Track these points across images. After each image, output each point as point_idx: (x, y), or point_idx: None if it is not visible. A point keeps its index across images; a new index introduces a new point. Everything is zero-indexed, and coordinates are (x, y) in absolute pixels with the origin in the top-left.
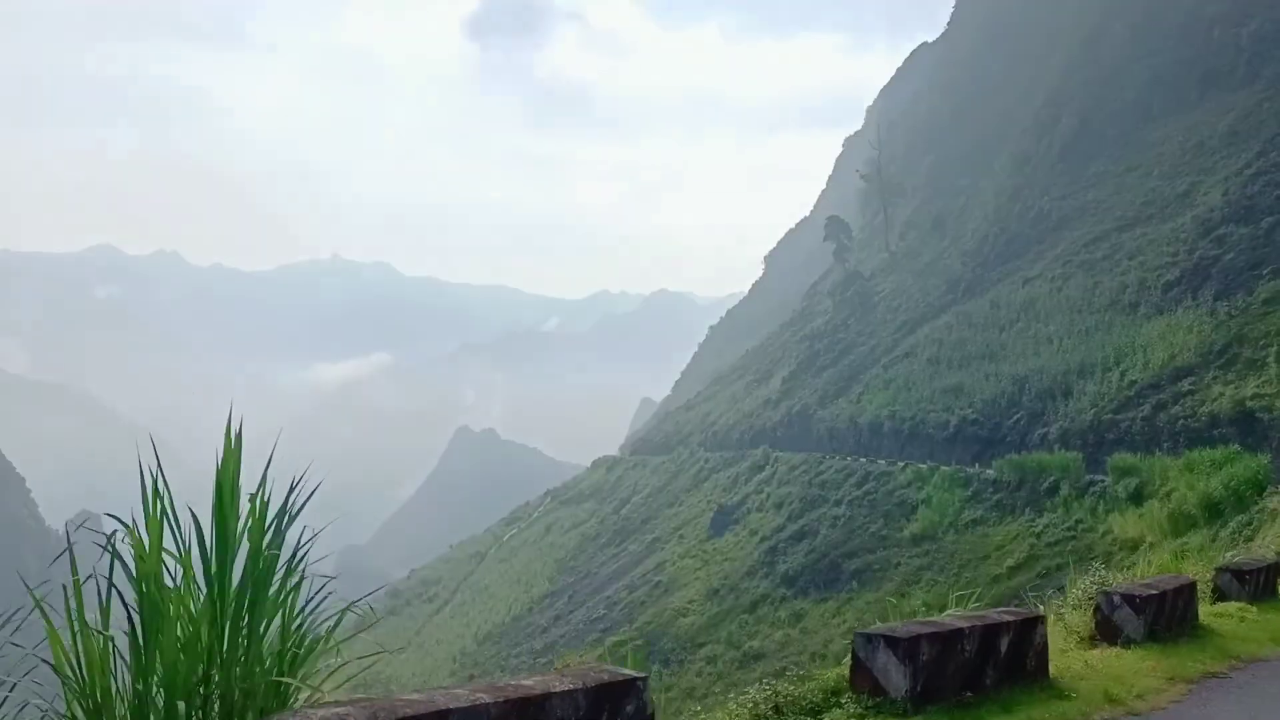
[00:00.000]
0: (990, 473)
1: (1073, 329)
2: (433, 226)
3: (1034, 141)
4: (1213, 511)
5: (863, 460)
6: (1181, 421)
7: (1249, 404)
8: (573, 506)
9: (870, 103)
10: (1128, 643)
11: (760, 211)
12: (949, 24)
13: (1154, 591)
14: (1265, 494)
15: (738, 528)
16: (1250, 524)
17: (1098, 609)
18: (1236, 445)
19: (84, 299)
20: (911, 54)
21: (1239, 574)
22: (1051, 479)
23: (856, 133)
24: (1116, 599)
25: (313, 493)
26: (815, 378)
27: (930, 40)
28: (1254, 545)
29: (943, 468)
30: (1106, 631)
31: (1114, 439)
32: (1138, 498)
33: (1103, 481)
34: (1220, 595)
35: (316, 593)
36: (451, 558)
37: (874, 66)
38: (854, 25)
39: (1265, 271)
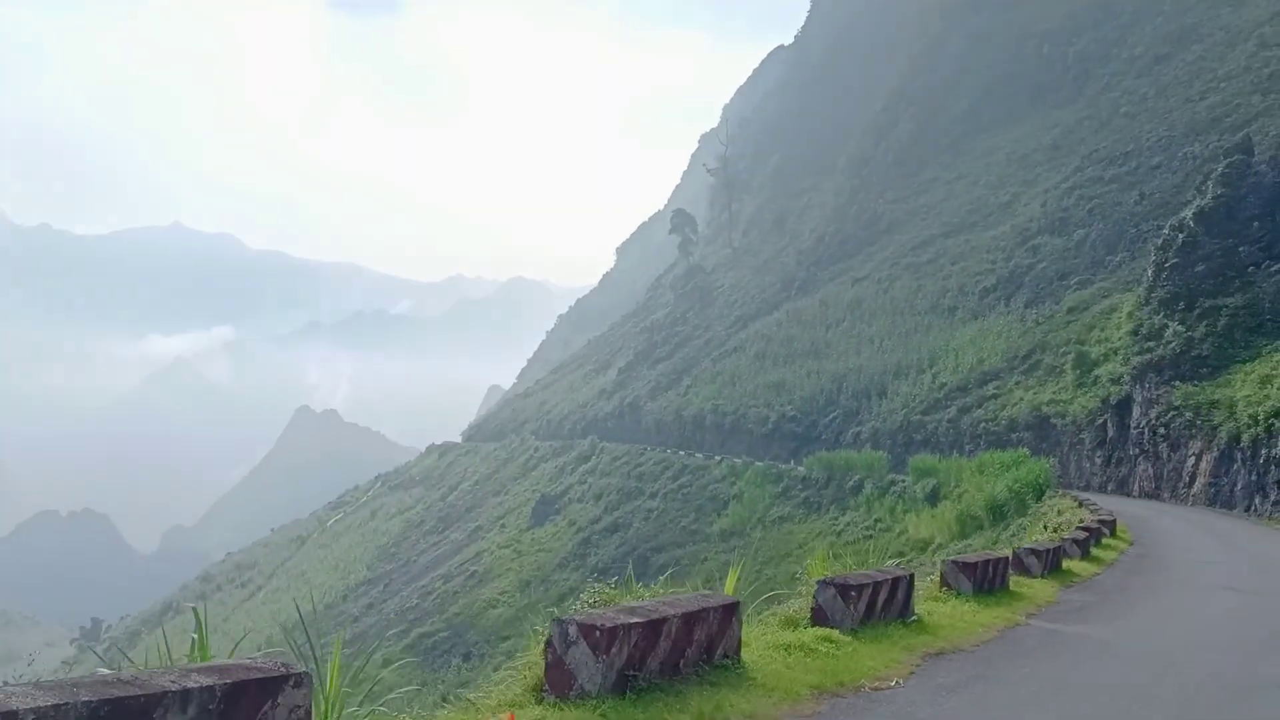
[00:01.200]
0: (801, 469)
1: (894, 330)
2: (282, 200)
3: (872, 144)
4: (997, 514)
5: (681, 453)
6: (983, 424)
7: (1044, 409)
8: (401, 492)
9: (727, 101)
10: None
11: (621, 203)
12: (803, 27)
13: (867, 581)
14: (1045, 497)
15: (558, 518)
16: (1026, 527)
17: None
18: (1027, 449)
19: None
20: (768, 55)
21: (964, 566)
22: (857, 478)
23: (712, 130)
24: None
25: None
26: (651, 369)
27: (786, 43)
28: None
29: (756, 464)
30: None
31: (921, 440)
32: (934, 498)
33: (904, 481)
34: (947, 587)
35: None
36: (271, 541)
37: (735, 65)
38: (717, 25)
39: (1072, 281)
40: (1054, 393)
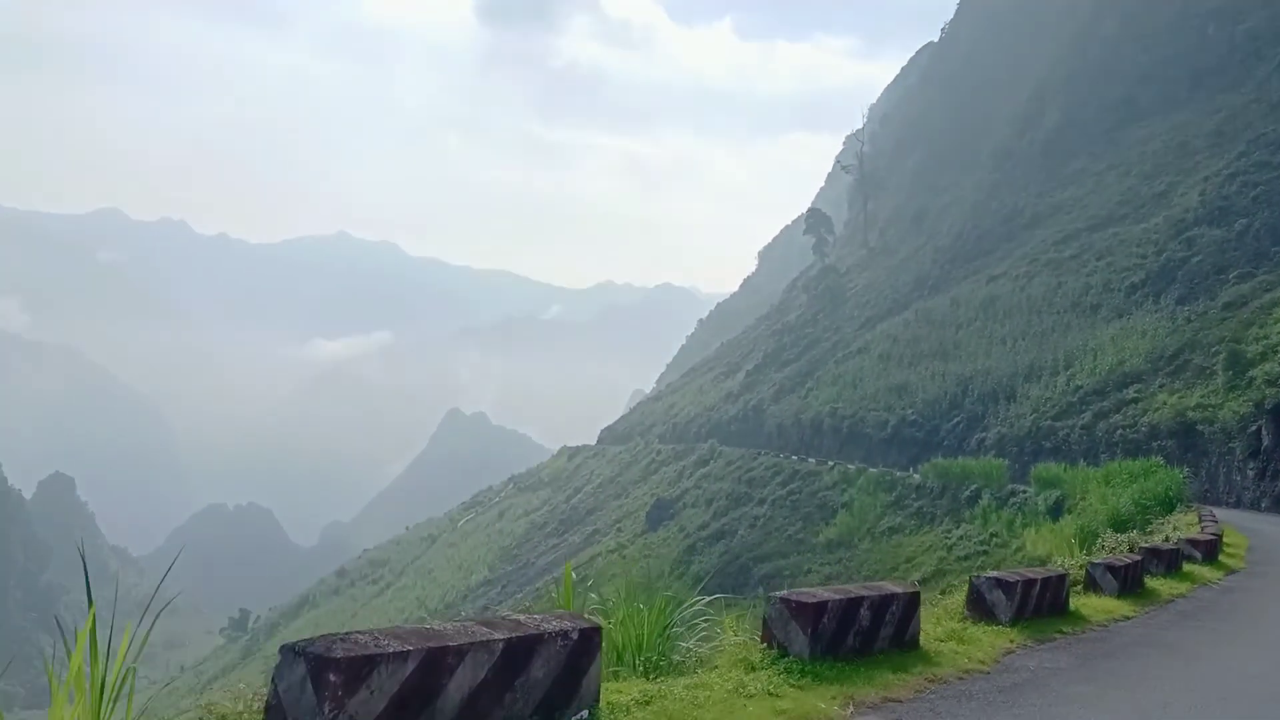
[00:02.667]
0: (916, 477)
1: (1029, 330)
2: (440, 209)
3: (1016, 137)
4: (1119, 529)
5: (794, 458)
6: (1120, 431)
7: (1190, 414)
8: (529, 494)
9: (873, 101)
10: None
11: (767, 207)
12: (950, 21)
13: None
14: (1174, 512)
15: (671, 523)
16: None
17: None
18: (1160, 459)
19: (86, 262)
20: (916, 53)
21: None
22: (974, 487)
23: (856, 131)
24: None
25: None
26: (777, 372)
27: (936, 41)
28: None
29: (870, 470)
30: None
31: (1051, 447)
32: (1058, 511)
33: (1025, 492)
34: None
35: None
36: (404, 539)
37: (883, 68)
38: (867, 28)
39: (1231, 275)
40: (1202, 397)
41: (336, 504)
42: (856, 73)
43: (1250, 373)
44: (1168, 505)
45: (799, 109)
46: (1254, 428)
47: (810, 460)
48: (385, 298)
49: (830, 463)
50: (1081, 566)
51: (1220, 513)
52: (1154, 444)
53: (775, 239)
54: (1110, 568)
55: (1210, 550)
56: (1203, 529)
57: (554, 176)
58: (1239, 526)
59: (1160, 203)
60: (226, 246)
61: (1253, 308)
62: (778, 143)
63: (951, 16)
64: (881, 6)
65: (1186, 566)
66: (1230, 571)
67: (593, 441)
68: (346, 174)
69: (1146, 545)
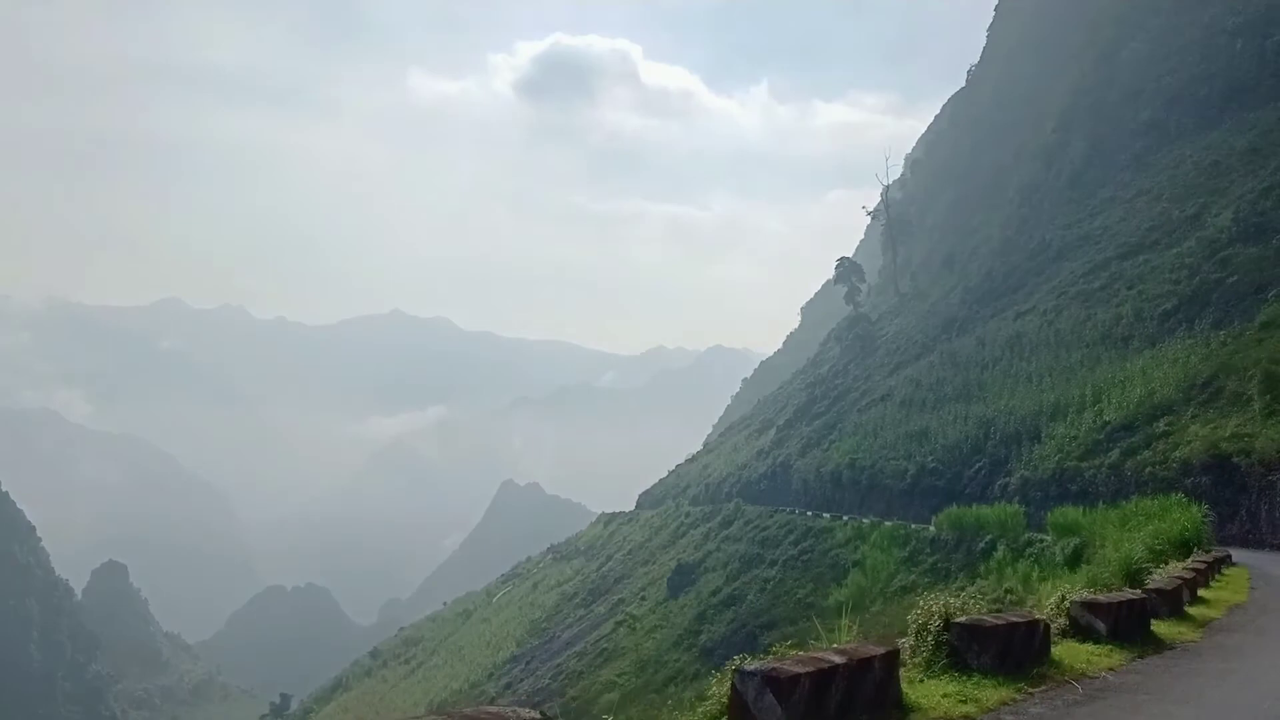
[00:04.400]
0: (932, 530)
1: (1056, 366)
2: (491, 282)
3: (1043, 169)
4: (1132, 579)
5: (808, 514)
6: (1149, 469)
7: (1224, 446)
8: (564, 563)
9: (908, 151)
10: None
11: (813, 265)
12: (976, 63)
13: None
14: (1193, 556)
15: (691, 590)
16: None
17: None
18: (1183, 496)
19: (148, 351)
20: (948, 100)
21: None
22: (989, 538)
23: (895, 181)
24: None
25: None
26: (807, 426)
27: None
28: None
29: (885, 524)
30: None
31: (1077, 490)
32: (1077, 560)
33: (1044, 541)
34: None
35: None
36: (440, 616)
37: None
38: (901, 83)
39: (1270, 294)
40: (1237, 425)
41: (395, 581)
42: (895, 127)
43: None
44: (1184, 549)
45: (839, 166)
46: None
47: (825, 516)
48: (440, 373)
49: (845, 518)
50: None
51: (1254, 556)
52: (1187, 481)
53: (818, 294)
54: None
55: (1178, 603)
56: (1181, 575)
57: (602, 245)
58: (1264, 574)
59: (1193, 225)
60: (284, 329)
61: None
62: (821, 200)
63: (979, 55)
64: (914, 60)
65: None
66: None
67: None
68: (398, 253)
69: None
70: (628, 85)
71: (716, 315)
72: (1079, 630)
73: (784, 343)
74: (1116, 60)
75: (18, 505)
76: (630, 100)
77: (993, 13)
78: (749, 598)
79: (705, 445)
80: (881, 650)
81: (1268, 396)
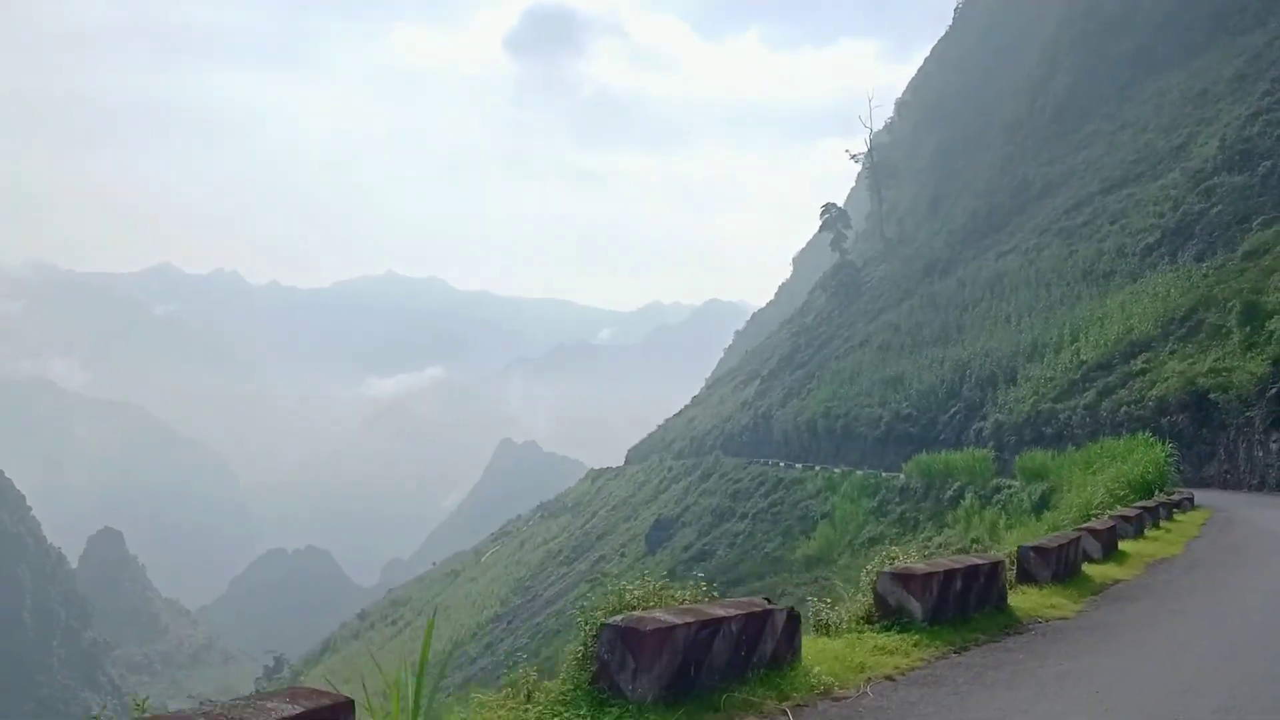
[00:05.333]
0: (901, 478)
1: (1036, 305)
2: (485, 241)
3: (1027, 106)
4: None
5: (782, 465)
6: (1125, 408)
7: (1201, 382)
8: (552, 520)
9: (898, 96)
10: None
11: (807, 215)
12: (962, 2)
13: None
14: (1154, 497)
15: (669, 544)
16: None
17: None
18: (1150, 435)
19: (142, 317)
20: (936, 42)
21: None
22: (958, 485)
23: (884, 126)
24: None
25: None
26: (790, 375)
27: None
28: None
29: (855, 473)
30: None
31: (1052, 433)
32: (1044, 505)
33: (1012, 487)
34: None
35: None
36: (428, 576)
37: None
38: (893, 28)
39: (1255, 223)
40: (1216, 360)
41: (396, 541)
42: (887, 73)
43: (1269, 325)
44: (1145, 491)
45: (832, 114)
46: (1274, 390)
47: (797, 466)
48: (436, 333)
49: (817, 468)
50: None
51: (1233, 498)
52: (1163, 420)
53: (809, 244)
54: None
55: (1070, 567)
56: (1111, 517)
57: (596, 201)
58: (1224, 519)
59: (1178, 156)
60: (278, 293)
61: (1277, 253)
62: (814, 149)
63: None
64: (906, 4)
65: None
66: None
67: None
68: (391, 214)
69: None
70: (616, 37)
71: (713, 268)
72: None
73: (776, 294)
74: None
75: (6, 475)
76: (620, 52)
77: None
78: (719, 552)
79: (693, 399)
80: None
81: (1247, 328)
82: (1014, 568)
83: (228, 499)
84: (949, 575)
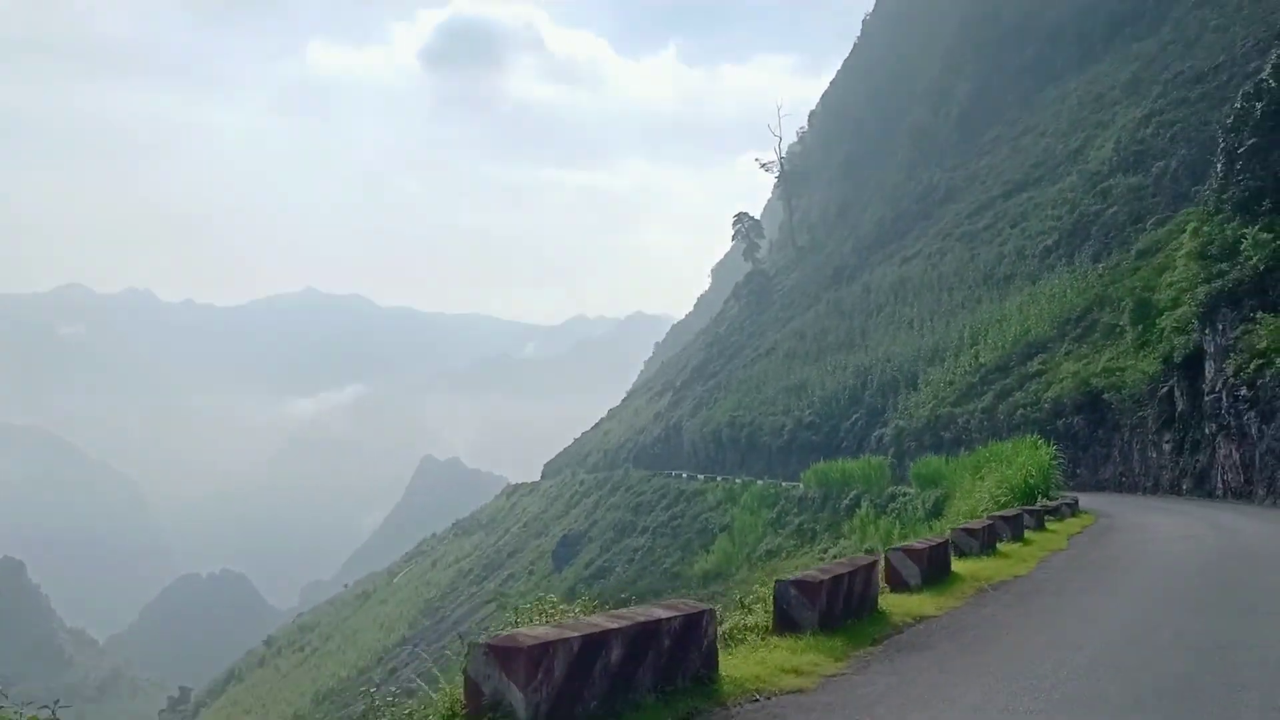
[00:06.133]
0: (800, 488)
1: (938, 309)
2: (407, 257)
3: (931, 113)
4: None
5: (683, 477)
6: (1021, 410)
7: (1094, 382)
8: (465, 539)
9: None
10: None
11: (727, 228)
12: (870, 11)
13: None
14: (1037, 502)
15: (575, 561)
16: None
17: None
18: (1038, 437)
19: (48, 339)
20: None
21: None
22: (854, 494)
23: (797, 136)
24: None
25: None
26: (702, 386)
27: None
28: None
29: (756, 484)
30: None
31: (951, 437)
32: (938, 512)
33: (907, 494)
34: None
35: None
36: (339, 599)
37: (827, 80)
38: (808, 44)
39: (1149, 222)
40: (1109, 360)
41: (316, 563)
42: (803, 88)
43: (1160, 323)
44: (1028, 495)
45: (750, 128)
46: (1164, 390)
47: (699, 478)
48: (357, 350)
49: (719, 479)
50: None
51: (1125, 501)
52: (1058, 422)
53: (727, 255)
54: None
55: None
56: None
57: (518, 215)
58: (1111, 523)
59: (1076, 159)
60: (193, 312)
61: (1169, 250)
62: (733, 163)
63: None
64: (819, 20)
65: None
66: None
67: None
68: (309, 230)
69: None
70: (534, 51)
71: (636, 281)
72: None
73: (695, 305)
74: None
75: None
76: (538, 67)
77: None
78: (617, 569)
79: (609, 412)
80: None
81: (1139, 326)
82: None
83: (140, 524)
84: (837, 580)
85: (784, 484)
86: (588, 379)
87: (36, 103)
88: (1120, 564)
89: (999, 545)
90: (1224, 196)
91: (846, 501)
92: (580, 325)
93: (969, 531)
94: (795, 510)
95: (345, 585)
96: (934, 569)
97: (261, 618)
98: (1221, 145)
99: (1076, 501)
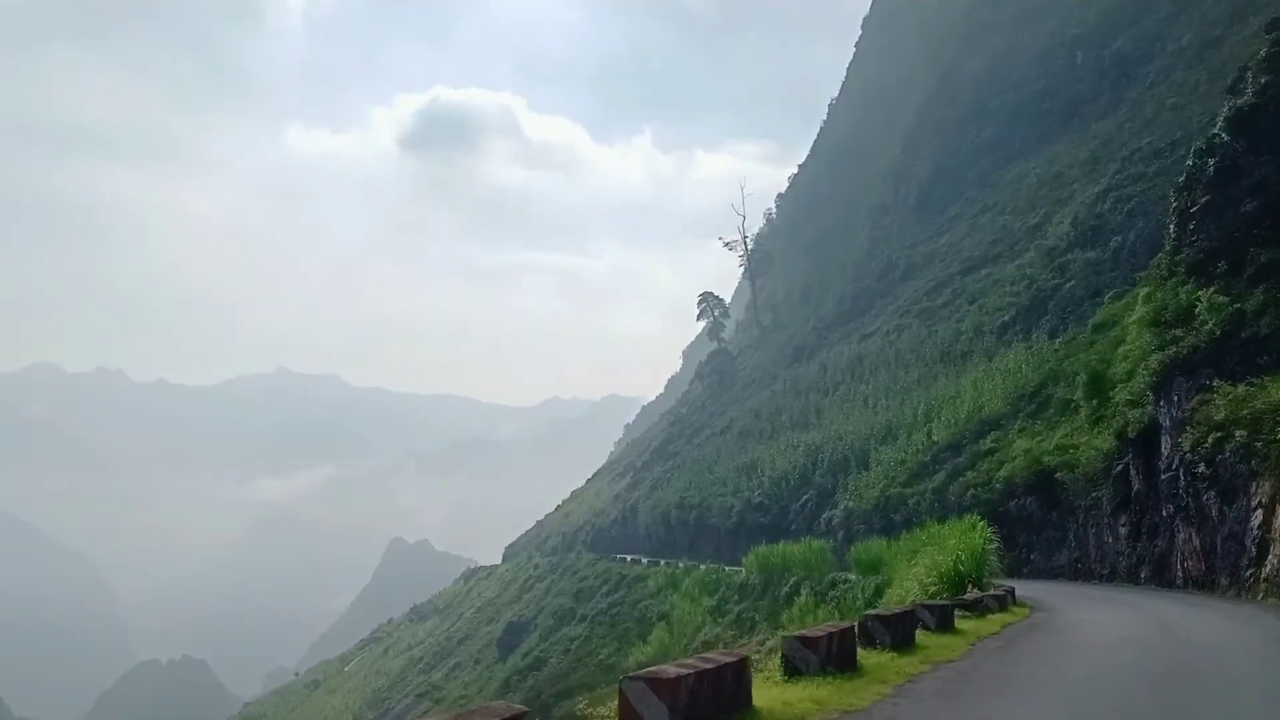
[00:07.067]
0: (742, 573)
1: (894, 386)
2: (381, 338)
3: (891, 192)
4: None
5: (626, 561)
6: (972, 491)
7: (1047, 460)
8: (419, 625)
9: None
10: None
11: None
12: (838, 93)
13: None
14: (968, 590)
15: (519, 650)
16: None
17: None
18: (977, 517)
19: (13, 419)
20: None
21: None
22: (794, 580)
23: (765, 218)
24: None
25: None
26: (661, 466)
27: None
28: None
29: (699, 568)
30: None
31: (901, 520)
32: (878, 600)
33: (849, 581)
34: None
35: None
36: (288, 688)
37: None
38: (779, 131)
39: (1106, 296)
40: (1063, 437)
41: (281, 649)
42: (774, 176)
43: (1114, 396)
44: (957, 584)
45: (722, 212)
46: (1119, 468)
47: (643, 562)
48: (329, 431)
49: (663, 563)
50: None
51: (1074, 591)
52: (1010, 503)
53: (698, 337)
54: None
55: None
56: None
57: (493, 297)
58: (1046, 619)
59: (1034, 235)
60: (164, 391)
61: (1125, 324)
62: (706, 248)
63: (839, 87)
64: (789, 108)
65: None
66: None
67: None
68: (283, 310)
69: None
70: (511, 137)
71: (610, 364)
72: None
73: (665, 387)
74: (958, 79)
75: None
76: (514, 152)
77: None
78: (552, 660)
79: (572, 493)
80: None
81: (1094, 401)
82: None
83: (99, 609)
84: (701, 675)
85: (727, 569)
86: (562, 460)
87: (8, 182)
88: (1018, 687)
89: (862, 657)
90: (1177, 259)
91: (786, 589)
92: (555, 406)
93: (805, 641)
94: (736, 597)
95: (295, 674)
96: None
97: (222, 706)
98: (1174, 205)
99: (1012, 592)
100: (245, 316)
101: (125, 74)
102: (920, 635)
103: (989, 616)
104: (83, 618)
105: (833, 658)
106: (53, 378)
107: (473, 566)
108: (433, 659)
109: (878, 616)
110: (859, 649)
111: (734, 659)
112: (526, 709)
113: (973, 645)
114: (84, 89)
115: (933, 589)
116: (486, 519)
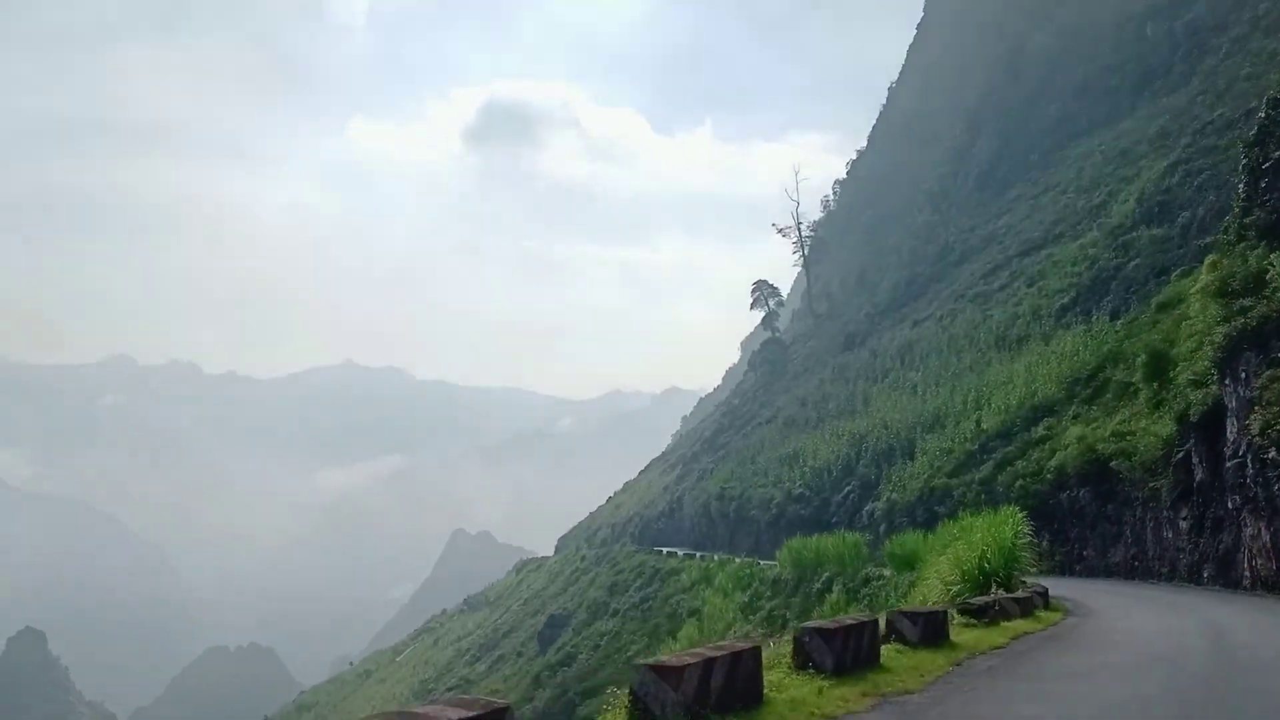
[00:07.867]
0: (775, 568)
1: (944, 372)
2: (445, 331)
3: (951, 175)
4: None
5: (662, 554)
6: (1021, 482)
7: (1101, 448)
8: (469, 616)
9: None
10: None
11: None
12: (898, 76)
13: None
14: (993, 589)
15: (558, 643)
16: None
17: None
18: (1017, 509)
19: (91, 410)
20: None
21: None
22: (826, 575)
23: (823, 204)
24: None
25: None
26: (710, 457)
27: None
28: None
29: (735, 561)
30: None
31: (945, 511)
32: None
33: (884, 576)
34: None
35: None
36: (344, 676)
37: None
38: (840, 122)
39: (1174, 274)
40: (1120, 423)
41: (345, 637)
42: (835, 165)
43: (1175, 376)
44: (980, 582)
45: (783, 202)
46: (1180, 455)
47: (678, 554)
48: (394, 423)
49: (699, 556)
50: None
51: (1125, 592)
52: (1062, 495)
53: (756, 327)
54: None
55: None
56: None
57: (556, 290)
58: (1076, 625)
59: (1097, 214)
60: (234, 383)
61: (1193, 300)
62: (767, 239)
63: (899, 71)
64: (850, 99)
65: None
66: None
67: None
68: (350, 304)
69: None
70: (572, 130)
71: (672, 356)
72: None
73: (723, 378)
74: (1024, 56)
75: None
76: (575, 145)
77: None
78: (582, 655)
79: (624, 485)
80: None
81: (1154, 383)
82: None
83: (170, 595)
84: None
85: (762, 563)
86: (622, 453)
87: (89, 179)
88: None
89: (779, 686)
90: (1246, 221)
91: (819, 585)
92: (616, 399)
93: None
94: (769, 593)
95: (350, 663)
96: None
97: (287, 693)
98: (1244, 162)
99: (1045, 593)
100: (312, 309)
101: (198, 71)
102: (893, 652)
103: (1003, 624)
104: (153, 605)
105: (736, 687)
106: (127, 370)
107: (523, 558)
108: (479, 651)
109: (818, 630)
110: (793, 673)
111: (746, 646)
112: (509, 703)
113: (955, 667)
114: (159, 88)
115: (955, 588)
116: (546, 511)
